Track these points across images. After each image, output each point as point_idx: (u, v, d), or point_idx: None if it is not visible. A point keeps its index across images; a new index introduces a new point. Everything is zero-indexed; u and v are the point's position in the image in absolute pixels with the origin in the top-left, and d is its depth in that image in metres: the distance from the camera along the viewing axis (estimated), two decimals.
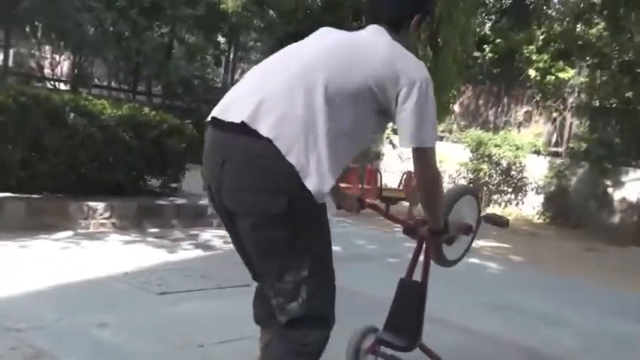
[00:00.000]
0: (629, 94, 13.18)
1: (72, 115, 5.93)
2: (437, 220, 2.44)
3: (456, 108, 15.97)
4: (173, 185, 7.16)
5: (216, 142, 2.10)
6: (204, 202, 7.10)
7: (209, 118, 2.13)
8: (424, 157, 2.17)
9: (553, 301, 5.30)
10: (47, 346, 2.97)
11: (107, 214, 5.96)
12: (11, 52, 14.49)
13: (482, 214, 3.05)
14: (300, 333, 2.08)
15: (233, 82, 19.78)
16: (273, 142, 1.95)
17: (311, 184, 1.96)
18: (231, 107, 2.08)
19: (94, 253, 5.02)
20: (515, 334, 4.16)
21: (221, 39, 17.84)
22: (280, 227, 2.00)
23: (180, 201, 6.83)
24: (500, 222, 2.98)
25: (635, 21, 12.73)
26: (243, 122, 1.98)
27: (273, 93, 2.03)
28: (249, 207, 2.02)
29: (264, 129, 1.96)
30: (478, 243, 7.96)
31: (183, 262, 5.09)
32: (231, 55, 18.54)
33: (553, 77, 13.31)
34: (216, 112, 2.12)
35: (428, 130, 2.12)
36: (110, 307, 3.68)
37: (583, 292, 6.03)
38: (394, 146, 11.48)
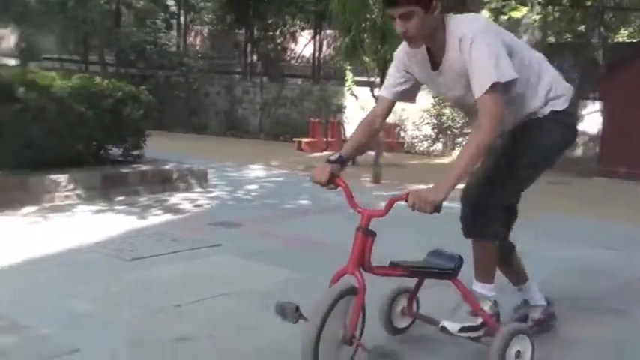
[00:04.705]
0: (582, 27, 13.35)
1: (21, 89, 5.77)
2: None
3: None
4: (135, 153, 7.08)
5: None
6: (169, 166, 7.05)
7: None
8: None
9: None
10: (23, 318, 2.97)
11: (71, 187, 5.88)
12: None
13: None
14: None
15: (186, 45, 19.44)
16: None
17: None
18: None
19: (62, 226, 4.97)
20: None
21: (170, 2, 17.44)
22: None
23: (144, 167, 6.76)
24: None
25: None
26: None
27: None
28: None
29: None
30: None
31: (154, 228, 5.08)
32: (182, 18, 18.13)
33: (506, 17, 13.38)
34: None
35: None
36: (83, 277, 3.67)
37: (553, 224, 6.18)
38: (356, 97, 11.48)
